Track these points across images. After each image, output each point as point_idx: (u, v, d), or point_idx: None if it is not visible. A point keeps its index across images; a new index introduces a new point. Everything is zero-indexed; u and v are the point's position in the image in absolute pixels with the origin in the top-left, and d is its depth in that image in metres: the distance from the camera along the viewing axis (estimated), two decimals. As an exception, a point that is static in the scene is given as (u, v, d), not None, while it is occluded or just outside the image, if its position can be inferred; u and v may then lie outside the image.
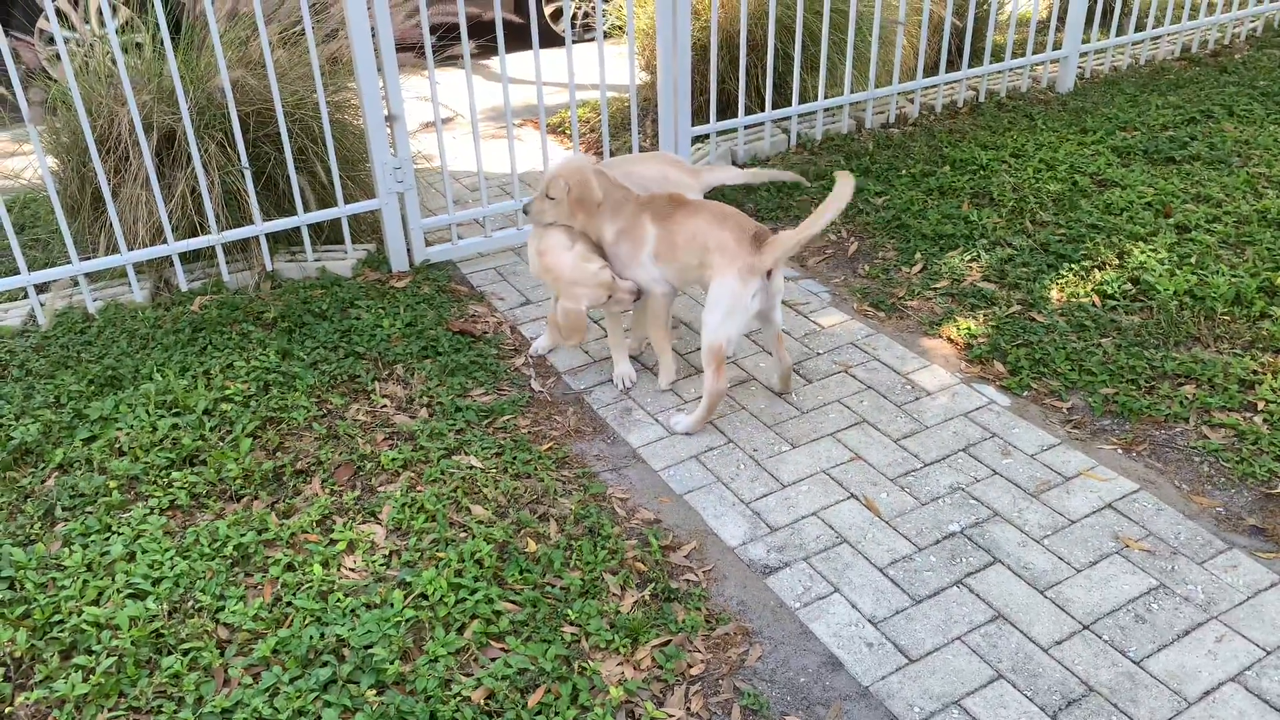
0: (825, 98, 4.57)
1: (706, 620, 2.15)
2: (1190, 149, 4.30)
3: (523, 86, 5.84)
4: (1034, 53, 5.09)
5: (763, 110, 4.49)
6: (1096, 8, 5.14)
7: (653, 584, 2.23)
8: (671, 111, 4.03)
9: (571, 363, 3.13)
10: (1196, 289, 3.25)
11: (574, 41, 6.62)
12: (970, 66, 4.90)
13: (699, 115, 4.61)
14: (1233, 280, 3.27)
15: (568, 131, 5.03)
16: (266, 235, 3.53)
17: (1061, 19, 5.24)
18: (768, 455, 2.69)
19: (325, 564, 2.27)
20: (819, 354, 3.14)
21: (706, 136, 4.31)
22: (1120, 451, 2.66)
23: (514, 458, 2.65)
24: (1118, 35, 5.34)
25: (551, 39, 6.76)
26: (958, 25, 5.01)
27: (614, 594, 2.20)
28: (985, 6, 5.07)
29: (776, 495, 2.54)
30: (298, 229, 3.60)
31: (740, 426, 2.81)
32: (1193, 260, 3.42)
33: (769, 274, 2.65)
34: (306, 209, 3.59)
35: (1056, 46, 5.11)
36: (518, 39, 6.91)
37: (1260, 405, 2.76)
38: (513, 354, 3.17)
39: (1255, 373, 2.88)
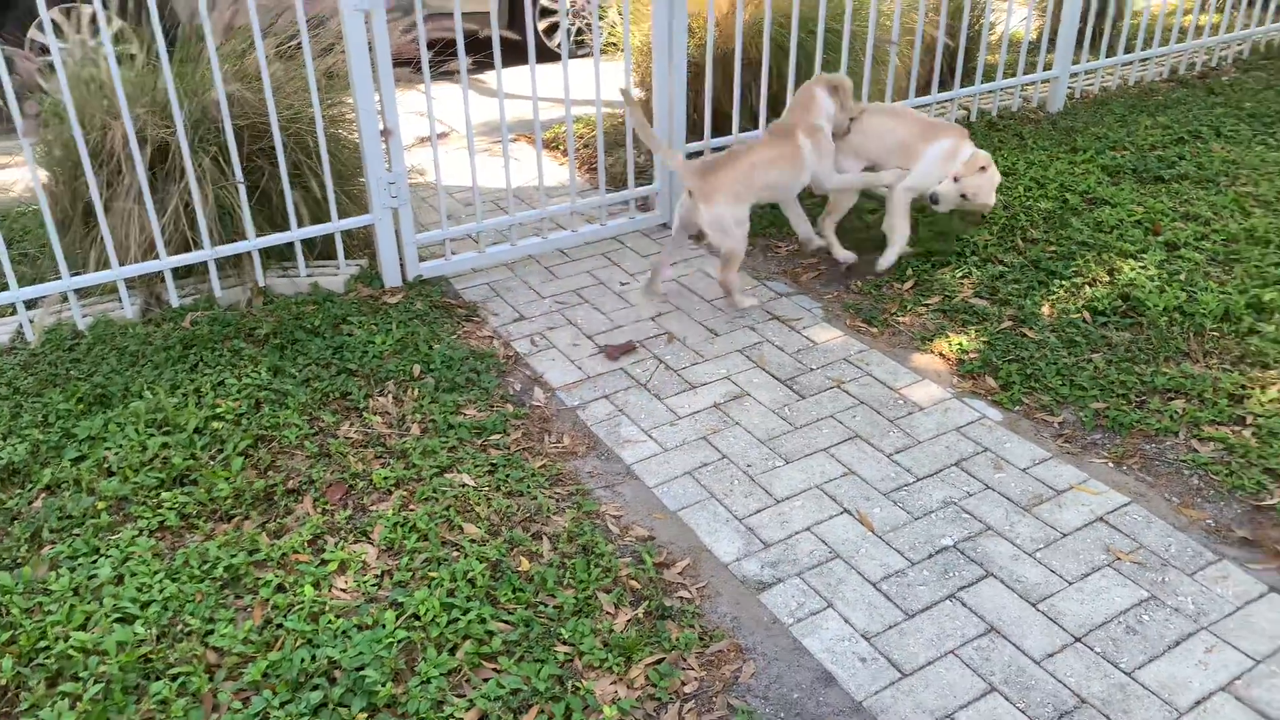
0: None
1: (700, 637, 2.17)
2: (1178, 168, 4.38)
3: (518, 102, 5.90)
4: (1025, 73, 5.17)
5: (757, 128, 4.54)
6: (1086, 30, 5.24)
7: (646, 601, 2.26)
8: (667, 128, 4.09)
9: (565, 378, 3.16)
10: (1186, 305, 3.31)
11: (570, 57, 6.69)
12: (962, 86, 4.98)
13: (694, 132, 4.66)
14: (1221, 297, 3.33)
15: (562, 147, 5.09)
16: (259, 250, 3.56)
17: (1052, 40, 5.33)
18: (761, 471, 2.72)
19: (316, 585, 2.29)
20: (812, 369, 3.18)
21: (700, 153, 4.36)
22: (1111, 465, 2.70)
23: (507, 475, 2.67)
24: (1107, 56, 5.43)
25: (547, 55, 6.84)
26: (950, 45, 5.10)
27: (607, 612, 2.23)
28: (977, 27, 5.15)
29: (770, 511, 2.56)
30: (290, 244, 3.64)
31: (734, 442, 2.84)
32: (1182, 277, 3.48)
33: None
34: (300, 224, 3.62)
35: (1047, 67, 5.20)
36: (514, 55, 6.99)
37: (1249, 419, 2.81)
38: (507, 370, 3.20)
39: (1244, 387, 2.93)
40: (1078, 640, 2.14)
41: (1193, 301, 3.32)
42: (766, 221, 4.15)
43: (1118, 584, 2.29)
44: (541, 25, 6.91)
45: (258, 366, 3.10)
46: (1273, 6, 5.98)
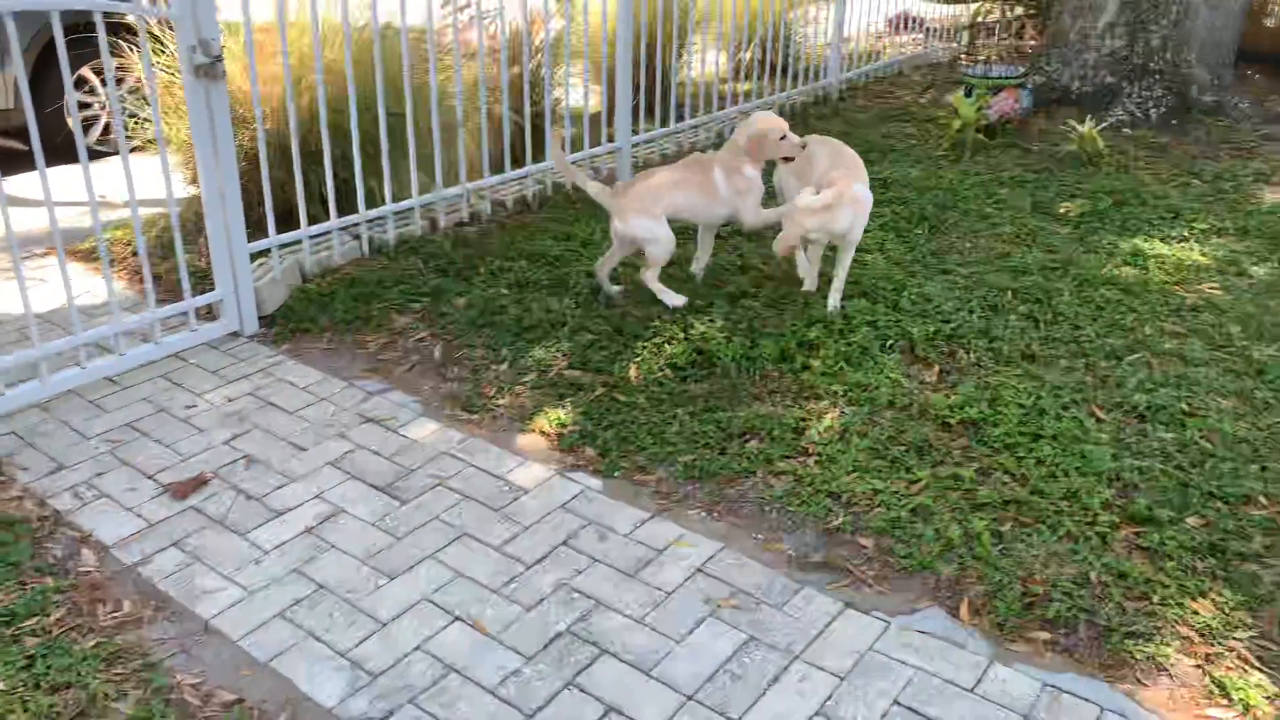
0: (394, 201, 4.61)
1: (306, 801, 1.97)
2: (731, 224, 4.93)
3: (36, 209, 5.20)
4: (591, 145, 5.58)
5: (330, 218, 4.41)
6: (641, 100, 5.77)
7: (238, 776, 2.01)
8: (221, 227, 3.82)
9: (122, 531, 2.78)
10: (750, 352, 3.69)
11: (94, 156, 6.06)
12: (535, 162, 5.24)
13: (260, 227, 4.41)
14: (778, 340, 3.76)
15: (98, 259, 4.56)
16: None
17: (611, 113, 5.80)
18: (364, 594, 2.57)
19: None
20: (413, 470, 3.10)
21: (268, 251, 4.14)
22: (704, 514, 2.91)
23: (49, 667, 2.27)
24: (662, 125, 6.04)
25: (59, 154, 6.13)
26: (518, 122, 5.35)
27: (190, 801, 1.95)
28: (539, 104, 5.47)
29: (377, 637, 2.43)
30: None
31: (331, 568, 2.66)
32: (744, 326, 3.90)
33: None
34: None
35: (611, 139, 5.65)
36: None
37: (810, 449, 3.18)
38: (43, 536, 2.75)
39: (803, 420, 3.32)
40: (690, 698, 2.25)
41: (755, 347, 3.72)
42: (353, 317, 4.02)
43: (720, 633, 2.45)
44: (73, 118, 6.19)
45: None
46: (797, 75, 7.03)
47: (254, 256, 4.07)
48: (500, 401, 3.47)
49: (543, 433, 3.30)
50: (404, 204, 4.67)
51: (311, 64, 4.19)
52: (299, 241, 4.32)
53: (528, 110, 5.21)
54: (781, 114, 6.87)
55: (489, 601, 2.55)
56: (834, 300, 3.97)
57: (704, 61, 6.57)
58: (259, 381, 3.61)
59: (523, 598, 2.56)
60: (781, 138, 4.00)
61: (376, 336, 3.93)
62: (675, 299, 4.03)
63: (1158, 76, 6.64)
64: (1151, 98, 6.59)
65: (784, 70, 6.94)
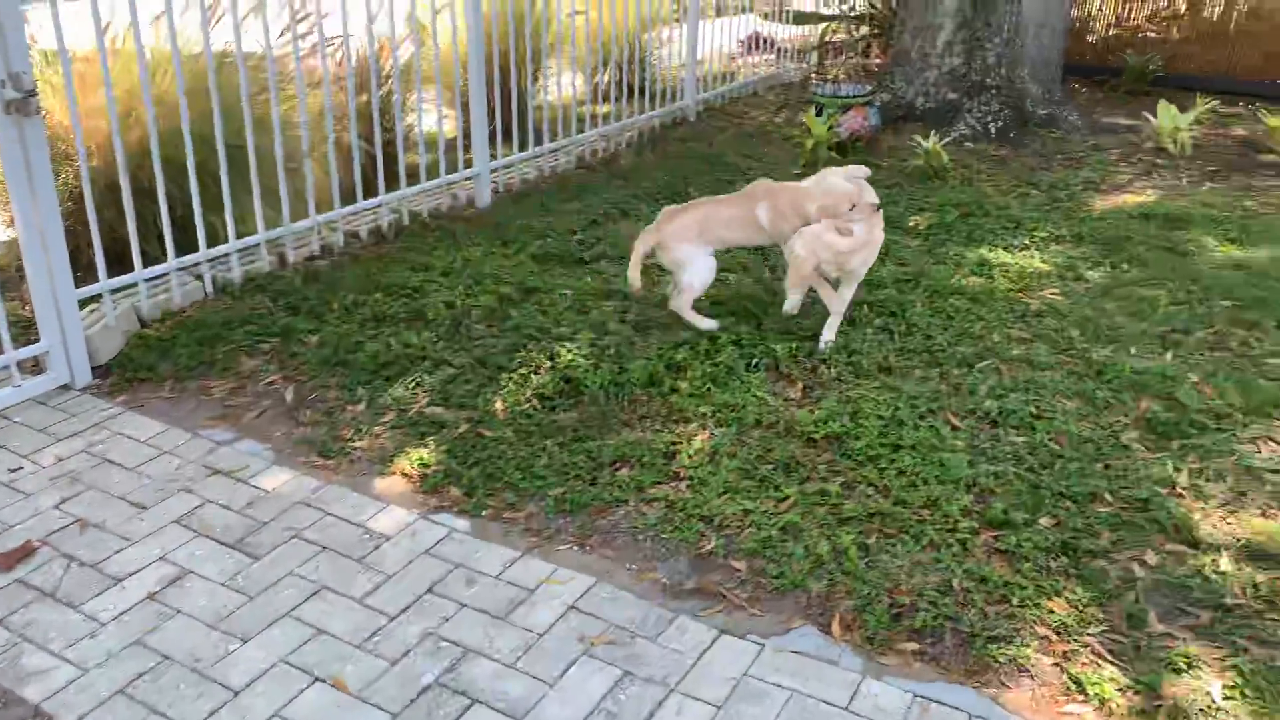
0: (238, 237, 4.42)
1: None
2: (596, 249, 4.95)
3: None
4: (449, 172, 5.50)
5: (168, 259, 4.19)
6: (498, 125, 5.73)
7: None
8: (44, 272, 3.58)
9: (-67, 614, 2.55)
10: (618, 377, 3.70)
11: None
12: (389, 190, 5.13)
13: (92, 271, 4.15)
14: (645, 363, 3.78)
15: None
16: None
17: (468, 138, 5.73)
18: (214, 662, 2.43)
19: None
20: (265, 524, 2.96)
21: (100, 296, 3.90)
22: (576, 548, 2.88)
23: None
24: (521, 150, 6.01)
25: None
26: (369, 151, 5.22)
27: None
28: (390, 131, 5.35)
29: (228, 708, 2.29)
30: None
31: (177, 637, 2.51)
32: (611, 351, 3.90)
33: None
34: None
35: (468, 165, 5.59)
36: None
37: (681, 473, 3.20)
38: None
39: (674, 444, 3.34)
40: (566, 743, 2.21)
41: (623, 373, 3.72)
42: (197, 362, 3.83)
43: (594, 671, 2.42)
44: None
45: None
46: (655, 97, 7.12)
47: (85, 302, 3.83)
48: (358, 444, 3.36)
49: (404, 475, 3.21)
50: (249, 240, 4.49)
51: (141, 95, 3.98)
52: (135, 285, 4.09)
53: (379, 138, 5.10)
54: (640, 137, 6.98)
55: (351, 658, 2.45)
56: (828, 336, 3.95)
57: (560, 85, 6.58)
58: (93, 437, 3.38)
59: (387, 651, 2.47)
60: (851, 207, 3.87)
61: (223, 382, 3.75)
62: (708, 323, 4.03)
63: (994, 92, 7.04)
64: (990, 112, 6.98)
65: (641, 92, 7.03)
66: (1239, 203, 5.65)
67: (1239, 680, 2.39)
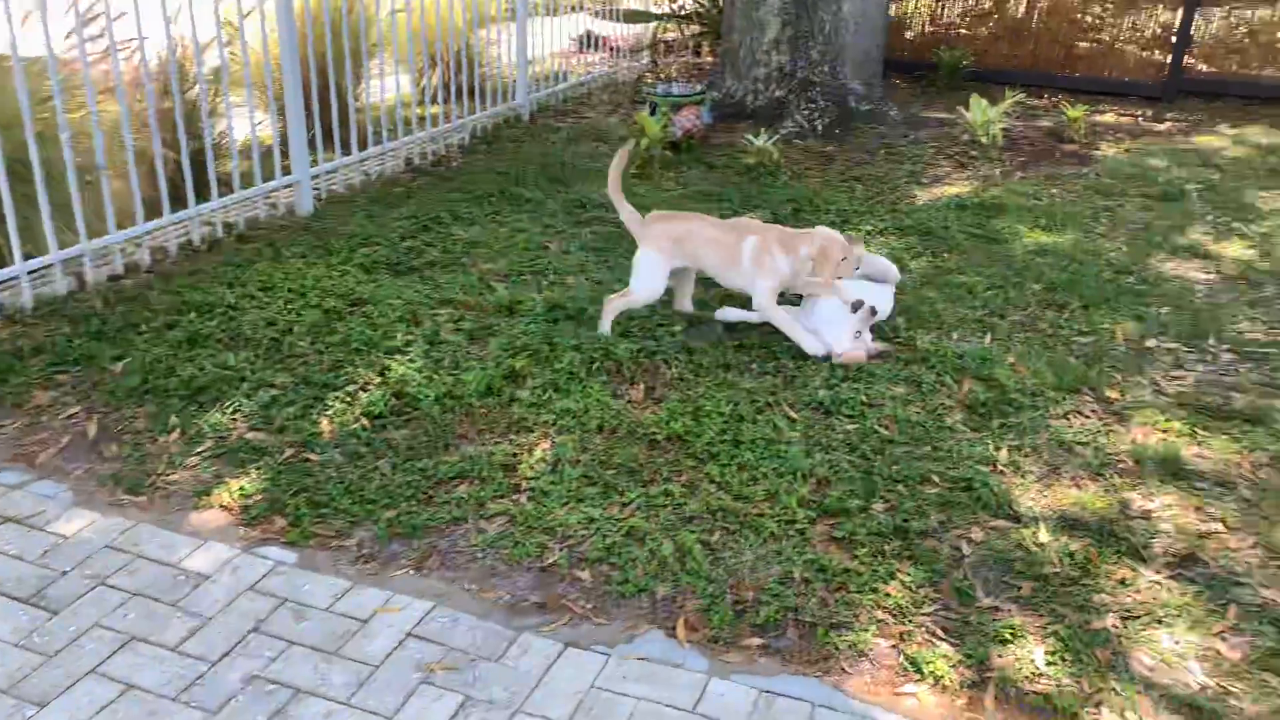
0: (26, 258, 4.08)
1: None
2: (427, 255, 4.83)
3: None
4: (266, 179, 5.25)
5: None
6: (318, 129, 5.51)
7: None
8: None
9: None
10: (454, 390, 3.61)
11: None
12: (200, 202, 4.85)
13: None
14: (482, 373, 3.70)
15: None
16: None
17: (286, 144, 5.49)
18: (5, 731, 2.22)
19: None
20: (65, 573, 2.73)
21: None
22: (413, 573, 2.79)
23: None
24: (345, 154, 5.80)
25: None
26: (175, 159, 4.92)
27: None
28: (199, 138, 5.07)
29: (22, 781, 2.10)
30: None
31: (-41, 706, 2.28)
32: (446, 362, 3.80)
33: None
34: None
35: (287, 171, 5.35)
36: None
37: (523, 485, 3.15)
38: None
39: (514, 455, 3.28)
40: (406, 779, 2.13)
41: (459, 384, 3.64)
42: (-20, 398, 3.50)
43: (434, 700, 2.34)
44: None
45: None
46: (486, 97, 7.01)
47: None
48: (171, 478, 3.15)
49: (223, 507, 3.02)
50: (41, 260, 4.15)
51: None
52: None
53: (185, 146, 4.81)
54: (473, 137, 6.87)
55: (165, 713, 2.28)
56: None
57: (384, 87, 6.39)
58: None
59: (207, 701, 2.32)
60: (843, 259, 3.87)
61: (15, 419, 3.45)
62: (605, 327, 4.03)
63: (820, 89, 7.29)
64: (817, 109, 7.23)
65: (471, 92, 6.92)
66: (1045, 190, 6.05)
67: (1059, 645, 2.54)
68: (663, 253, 3.97)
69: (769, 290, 3.91)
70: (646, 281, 3.99)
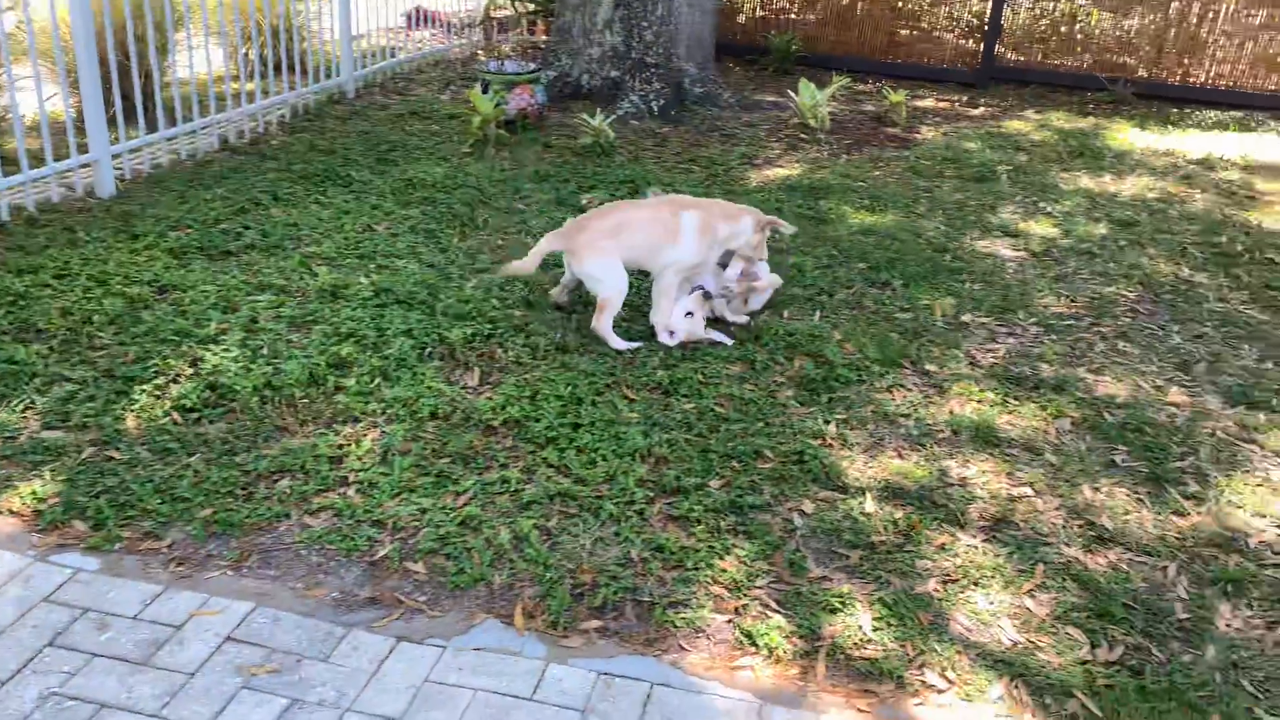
0: None
1: None
2: (244, 239, 4.58)
3: None
4: (58, 159, 4.85)
5: None
6: (117, 105, 5.13)
7: None
8: None
9: None
10: (274, 379, 3.45)
11: None
12: (-19, 181, 4.44)
13: None
14: (305, 362, 3.55)
15: None
16: None
17: (83, 120, 5.08)
18: None
19: None
20: None
21: None
22: (231, 573, 2.65)
23: None
24: (151, 132, 5.43)
25: None
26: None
27: None
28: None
29: None
30: None
31: None
32: (265, 351, 3.63)
33: None
34: None
35: (83, 150, 4.96)
36: None
37: (351, 477, 3.04)
38: None
39: (341, 447, 3.17)
40: (225, 792, 2.02)
41: (280, 374, 3.48)
42: None
43: (256, 705, 2.24)
44: None
45: None
46: (309, 73, 6.71)
47: None
48: (-49, 484, 2.88)
49: (14, 513, 2.79)
50: None
51: None
52: None
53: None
54: (295, 114, 6.58)
55: (-54, 743, 2.09)
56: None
57: (194, 60, 6.02)
58: None
59: (-4, 726, 2.14)
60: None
61: None
62: (624, 344, 3.88)
63: (654, 70, 7.36)
64: (652, 90, 7.29)
65: (293, 67, 6.61)
66: (869, 172, 6.32)
67: (885, 611, 2.66)
68: (606, 253, 3.85)
69: (686, 267, 3.95)
70: (611, 283, 3.85)
